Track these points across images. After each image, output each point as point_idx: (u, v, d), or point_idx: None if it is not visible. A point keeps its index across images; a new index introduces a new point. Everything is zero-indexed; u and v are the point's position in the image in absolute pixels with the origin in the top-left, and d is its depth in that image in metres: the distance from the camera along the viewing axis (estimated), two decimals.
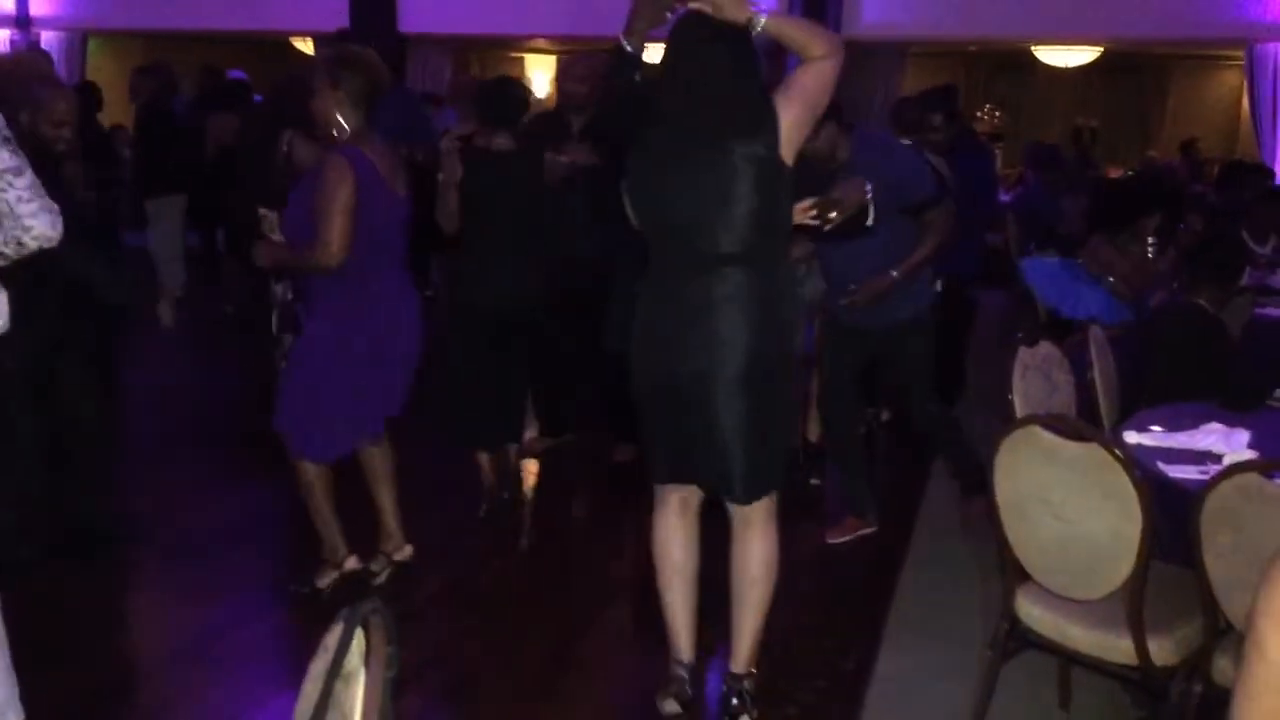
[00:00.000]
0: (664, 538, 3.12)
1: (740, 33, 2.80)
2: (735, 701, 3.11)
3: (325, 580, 3.78)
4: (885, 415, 5.70)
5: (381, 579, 3.85)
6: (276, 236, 3.73)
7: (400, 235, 3.65)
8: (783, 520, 4.66)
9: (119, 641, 3.59)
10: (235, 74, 10.16)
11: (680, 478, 3.06)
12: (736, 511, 3.04)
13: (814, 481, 5.03)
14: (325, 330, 3.57)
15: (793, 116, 2.79)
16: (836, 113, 3.98)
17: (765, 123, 2.79)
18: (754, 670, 3.15)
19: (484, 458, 4.54)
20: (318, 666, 1.58)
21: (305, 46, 14.35)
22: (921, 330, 4.32)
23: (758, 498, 3.00)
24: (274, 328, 4.73)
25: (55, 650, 3.40)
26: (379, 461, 3.84)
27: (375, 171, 3.47)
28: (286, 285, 4.52)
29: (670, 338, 2.89)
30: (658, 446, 3.04)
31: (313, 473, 3.69)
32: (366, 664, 1.45)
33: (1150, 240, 5.85)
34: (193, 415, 5.97)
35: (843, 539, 4.46)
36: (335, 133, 3.49)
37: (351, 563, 3.81)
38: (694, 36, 2.84)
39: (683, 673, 3.14)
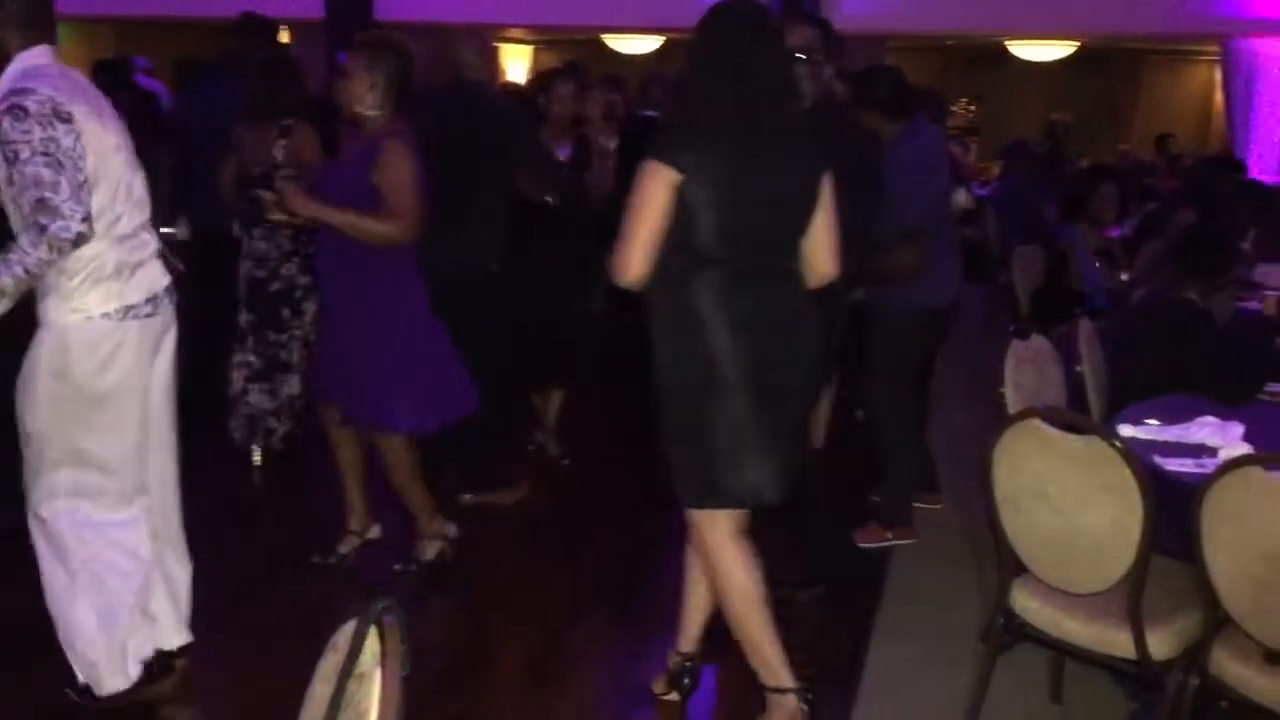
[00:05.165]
0: (743, 563, 2.90)
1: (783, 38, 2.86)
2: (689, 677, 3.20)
3: (433, 552, 3.92)
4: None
5: (349, 559, 3.96)
6: (278, 215, 3.73)
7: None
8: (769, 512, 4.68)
9: None
10: (142, 61, 9.95)
11: (764, 493, 2.88)
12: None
13: None
14: (380, 306, 3.65)
15: (824, 207, 2.85)
16: (900, 104, 4.13)
17: (819, 152, 2.83)
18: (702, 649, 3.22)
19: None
20: (327, 665, 1.55)
21: (280, 35, 14.22)
22: (885, 325, 4.27)
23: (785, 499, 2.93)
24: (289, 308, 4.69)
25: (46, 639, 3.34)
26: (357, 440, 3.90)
27: (419, 158, 3.59)
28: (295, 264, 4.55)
29: (742, 345, 2.76)
30: (736, 468, 2.82)
31: (402, 454, 3.76)
32: (382, 663, 1.42)
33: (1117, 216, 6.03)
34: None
35: (869, 545, 4.36)
36: (371, 113, 3.57)
37: (452, 529, 3.97)
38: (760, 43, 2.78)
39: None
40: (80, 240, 2.69)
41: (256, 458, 4.90)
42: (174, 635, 3.13)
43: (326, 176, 3.78)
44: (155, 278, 2.96)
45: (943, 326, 4.47)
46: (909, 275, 4.09)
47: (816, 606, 3.75)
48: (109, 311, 2.83)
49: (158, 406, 3.02)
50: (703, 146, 2.71)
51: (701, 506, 2.89)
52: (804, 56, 3.36)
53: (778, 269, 2.84)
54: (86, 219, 2.69)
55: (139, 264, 2.91)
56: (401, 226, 3.53)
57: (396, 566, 3.90)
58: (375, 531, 4.05)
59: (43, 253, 2.65)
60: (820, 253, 2.87)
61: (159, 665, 3.07)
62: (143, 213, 2.95)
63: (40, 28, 2.80)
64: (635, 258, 2.74)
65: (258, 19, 5.34)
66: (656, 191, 2.69)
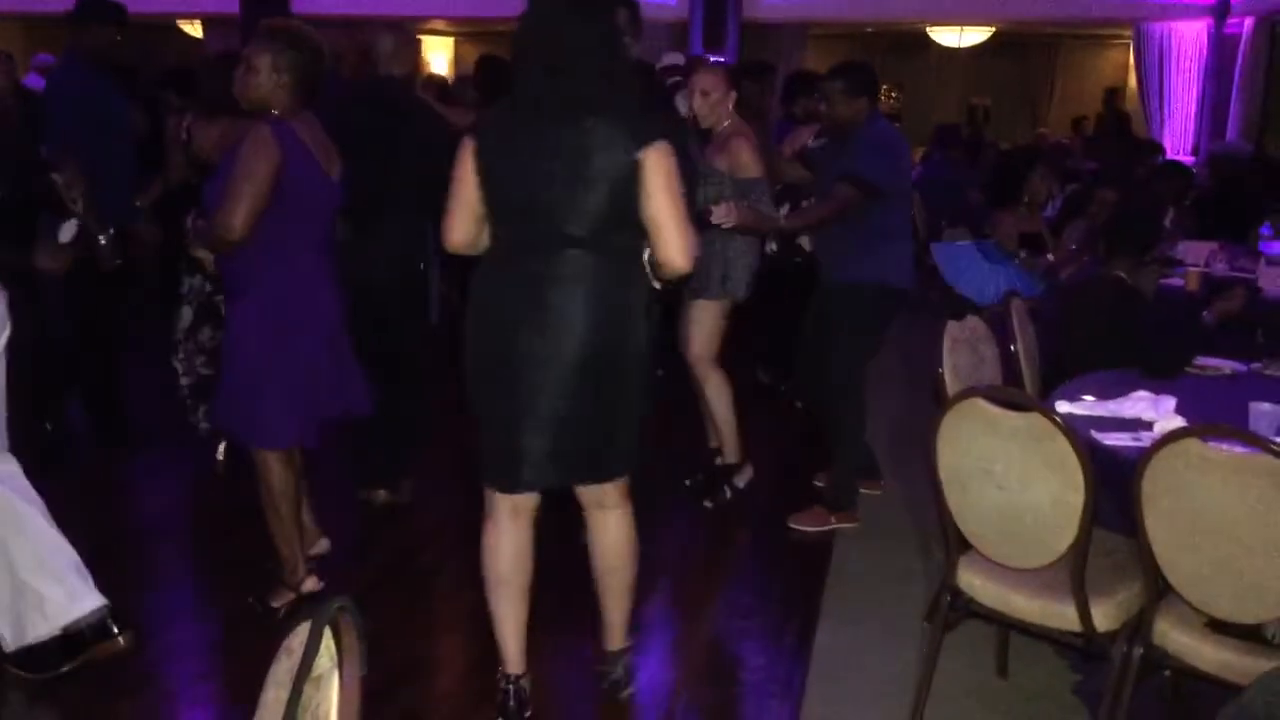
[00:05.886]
0: (492, 546, 2.93)
1: (606, 13, 2.75)
2: (621, 673, 3.12)
3: (280, 601, 3.52)
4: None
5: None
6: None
7: (328, 222, 3.47)
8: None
9: None
10: (44, 58, 9.58)
11: (519, 481, 2.85)
12: (588, 496, 2.95)
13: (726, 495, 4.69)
14: (251, 314, 3.35)
15: (648, 187, 2.67)
16: (874, 90, 4.33)
17: (633, 128, 2.66)
18: (630, 645, 3.16)
19: None
20: (280, 669, 1.50)
21: (193, 30, 13.93)
22: (849, 302, 4.29)
23: (607, 478, 2.90)
24: (185, 321, 4.49)
25: None
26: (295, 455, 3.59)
27: (306, 150, 3.28)
28: (204, 278, 4.30)
29: (512, 320, 2.74)
30: (498, 447, 2.83)
31: (277, 474, 3.43)
32: (339, 665, 1.38)
33: (1047, 197, 6.14)
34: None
35: (811, 528, 4.38)
36: (274, 113, 3.28)
37: (310, 584, 3.54)
38: (553, 11, 2.70)
39: (510, 685, 2.99)
40: None
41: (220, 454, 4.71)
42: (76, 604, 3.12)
43: (217, 178, 3.44)
44: None
45: (900, 307, 4.52)
46: (827, 221, 4.27)
47: None
48: None
49: None
50: (498, 119, 2.73)
51: (483, 481, 2.91)
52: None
53: (559, 249, 2.69)
54: None
55: None
56: (216, 227, 3.19)
57: (250, 599, 3.61)
58: (323, 545, 3.85)
59: None
60: (662, 245, 2.72)
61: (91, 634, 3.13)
62: None
63: None
64: (449, 224, 2.79)
65: (96, 6, 4.93)
66: (462, 160, 2.74)
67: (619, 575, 3.02)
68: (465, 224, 2.79)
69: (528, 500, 2.92)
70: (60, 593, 3.08)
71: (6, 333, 3.09)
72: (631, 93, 2.80)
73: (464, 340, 2.85)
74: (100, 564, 3.28)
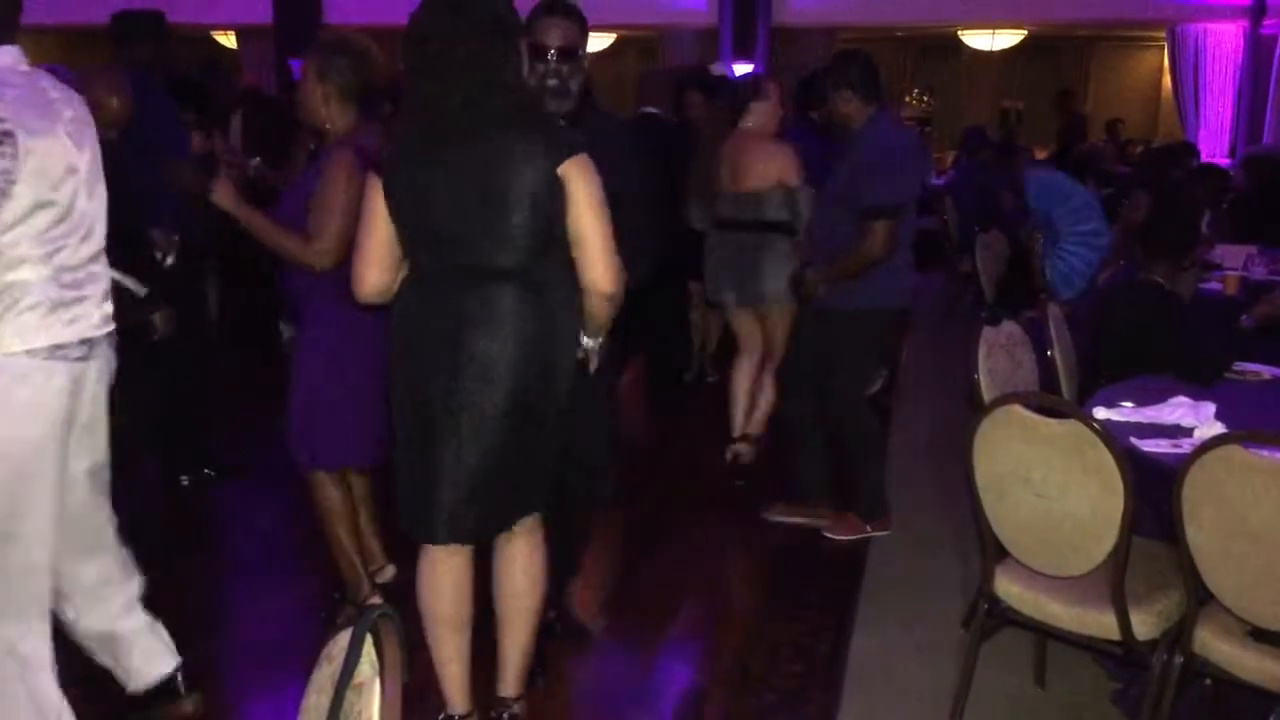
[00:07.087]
0: (428, 583, 2.75)
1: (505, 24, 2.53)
2: None
3: (344, 619, 3.45)
4: None
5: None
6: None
7: None
8: (751, 500, 4.65)
9: None
10: (60, 70, 9.47)
11: (434, 534, 2.67)
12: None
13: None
14: (318, 336, 3.34)
15: (572, 200, 2.51)
16: (863, 83, 4.08)
17: (550, 139, 2.50)
18: (524, 693, 2.91)
19: None
20: (321, 676, 1.51)
21: (227, 40, 14.05)
22: (858, 324, 4.15)
23: (512, 525, 2.75)
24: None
25: None
26: (357, 480, 3.60)
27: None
28: None
29: (430, 361, 2.57)
30: (412, 494, 2.68)
31: (333, 497, 3.43)
32: (381, 671, 1.39)
33: None
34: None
35: (845, 537, 4.35)
36: (328, 127, 3.27)
37: (376, 600, 3.48)
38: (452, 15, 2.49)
39: None
40: None
41: None
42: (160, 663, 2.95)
43: (285, 193, 3.45)
44: (97, 320, 2.58)
45: (902, 324, 4.46)
46: (879, 260, 4.02)
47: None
48: (33, 348, 2.44)
49: (83, 474, 2.68)
50: (396, 145, 2.56)
51: (403, 528, 2.75)
52: (573, 53, 2.96)
53: (479, 285, 2.53)
54: None
55: (79, 300, 2.53)
56: (312, 250, 3.13)
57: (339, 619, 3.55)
58: (388, 573, 3.74)
59: None
60: (588, 264, 2.55)
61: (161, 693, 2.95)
62: (93, 244, 2.58)
63: (9, 28, 2.51)
64: (359, 268, 2.62)
65: (135, 20, 4.87)
66: (370, 196, 2.58)
67: (519, 601, 2.81)
68: (380, 266, 2.59)
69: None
70: (135, 660, 2.92)
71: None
72: (539, 104, 2.68)
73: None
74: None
